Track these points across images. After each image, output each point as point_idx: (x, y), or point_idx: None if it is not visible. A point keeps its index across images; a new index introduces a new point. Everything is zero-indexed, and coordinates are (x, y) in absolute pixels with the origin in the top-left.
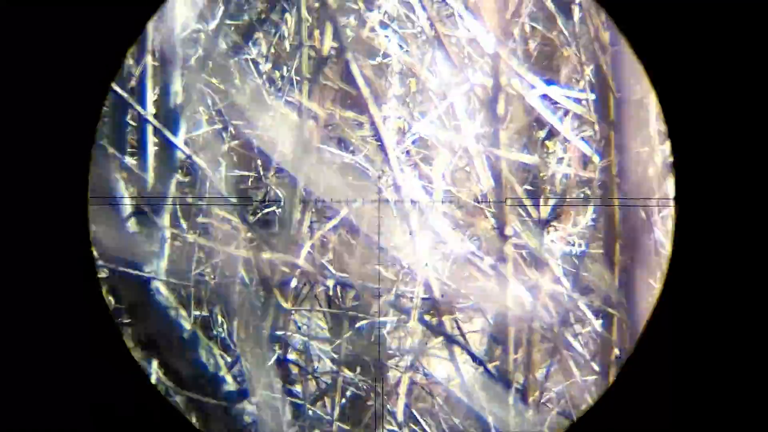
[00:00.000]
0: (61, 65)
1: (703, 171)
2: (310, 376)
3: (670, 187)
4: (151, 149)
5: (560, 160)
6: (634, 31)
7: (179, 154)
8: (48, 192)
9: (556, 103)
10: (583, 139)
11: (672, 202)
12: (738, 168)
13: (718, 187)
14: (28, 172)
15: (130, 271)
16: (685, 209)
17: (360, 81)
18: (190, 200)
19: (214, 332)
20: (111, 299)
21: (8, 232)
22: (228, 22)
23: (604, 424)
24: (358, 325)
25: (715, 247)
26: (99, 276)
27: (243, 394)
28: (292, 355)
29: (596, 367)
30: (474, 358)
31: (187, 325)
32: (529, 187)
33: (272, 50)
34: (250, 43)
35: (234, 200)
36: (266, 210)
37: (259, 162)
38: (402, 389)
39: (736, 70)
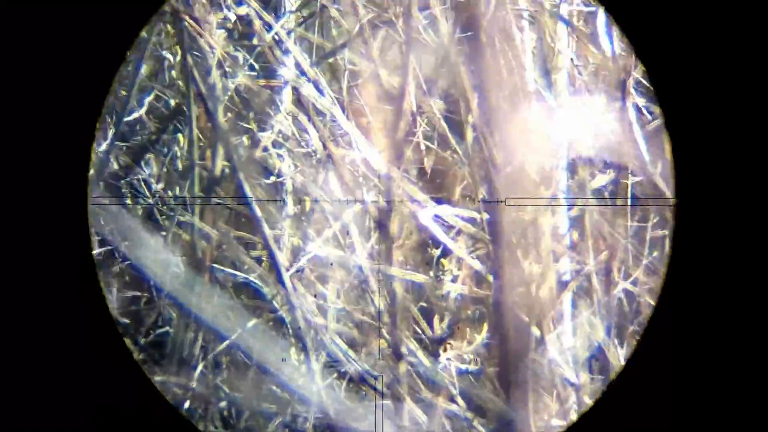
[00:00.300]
0: (61, 65)
1: (703, 171)
2: None
3: (566, 304)
4: None
5: (455, 278)
6: (634, 31)
7: None
8: (48, 192)
9: (447, 223)
10: (476, 257)
11: (672, 202)
12: (738, 168)
13: (718, 187)
14: (28, 173)
15: None
16: (685, 209)
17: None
18: None
19: None
20: None
21: (8, 232)
22: (119, 143)
23: (604, 425)
24: None
25: (715, 248)
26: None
27: None
28: None
29: None
30: None
31: None
32: (423, 305)
33: (164, 170)
34: (142, 164)
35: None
36: (158, 331)
37: (151, 283)
38: None
39: (736, 70)
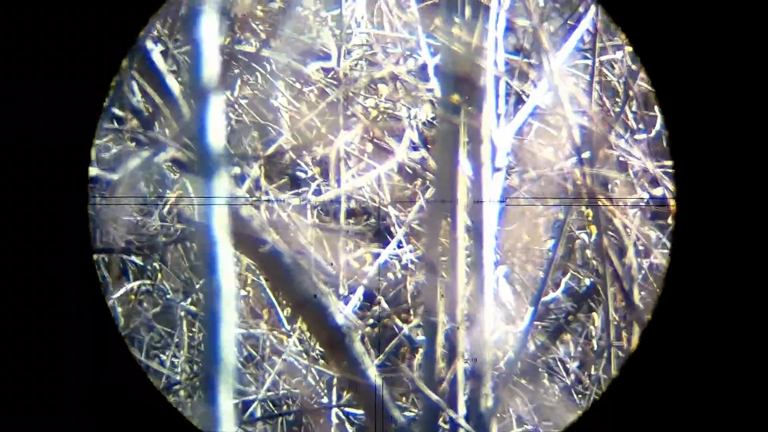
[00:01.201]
0: (62, 64)
1: (703, 171)
2: None
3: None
4: None
5: None
6: (634, 31)
7: None
8: (48, 192)
9: None
10: None
11: (672, 202)
12: (738, 168)
13: (718, 187)
14: (28, 172)
15: None
16: (685, 209)
17: None
18: None
19: None
20: None
21: (8, 232)
22: (536, 323)
23: (603, 425)
24: None
25: (715, 248)
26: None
27: None
28: None
29: None
30: None
31: None
32: None
33: (579, 349)
34: (557, 343)
35: None
36: None
37: None
38: None
39: (736, 70)
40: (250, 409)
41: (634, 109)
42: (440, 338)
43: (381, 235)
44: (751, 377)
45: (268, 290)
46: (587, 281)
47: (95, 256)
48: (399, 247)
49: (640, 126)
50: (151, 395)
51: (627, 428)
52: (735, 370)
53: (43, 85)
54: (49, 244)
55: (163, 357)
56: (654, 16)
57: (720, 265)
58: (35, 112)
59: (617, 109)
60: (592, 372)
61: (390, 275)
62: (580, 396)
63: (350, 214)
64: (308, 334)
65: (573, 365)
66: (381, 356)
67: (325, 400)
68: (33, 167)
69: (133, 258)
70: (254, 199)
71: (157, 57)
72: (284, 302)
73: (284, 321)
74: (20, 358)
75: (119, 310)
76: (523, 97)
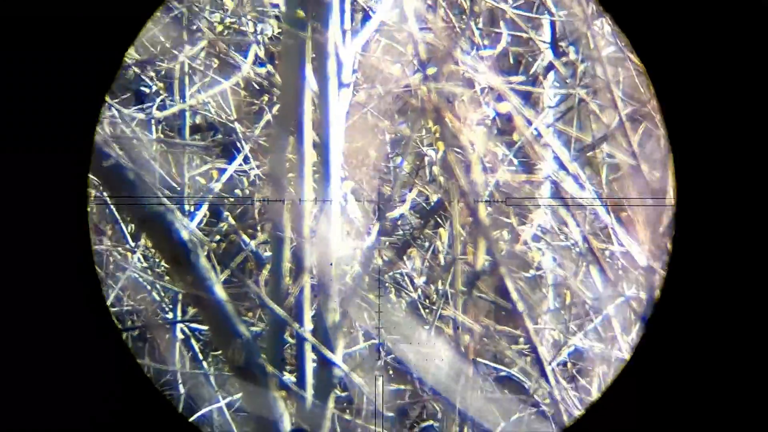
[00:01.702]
0: (61, 64)
1: (703, 171)
2: None
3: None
4: (310, 366)
5: None
6: (634, 32)
7: (337, 371)
8: (48, 192)
9: None
10: None
11: (672, 202)
12: (738, 168)
13: (718, 188)
14: (28, 172)
15: None
16: (685, 210)
17: (514, 294)
18: (347, 416)
19: None
20: None
21: (8, 232)
22: (383, 238)
23: (603, 426)
24: None
25: (715, 248)
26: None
27: None
28: None
29: None
30: None
31: None
32: None
33: (426, 265)
34: (404, 258)
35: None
36: (424, 425)
37: (415, 376)
38: None
39: (737, 70)
40: None
41: (480, 25)
42: (287, 254)
43: (227, 150)
44: (751, 377)
45: (111, 206)
46: (434, 197)
47: None
48: (245, 162)
49: (486, 42)
50: (151, 395)
51: (627, 429)
52: (735, 370)
53: (44, 85)
54: (49, 244)
55: None
56: (654, 16)
57: (720, 266)
58: (35, 112)
59: (463, 26)
60: (439, 287)
61: (236, 191)
62: (426, 311)
63: (195, 129)
64: (153, 251)
65: (420, 280)
66: (226, 272)
67: (170, 315)
68: (33, 167)
69: None
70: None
71: None
72: (128, 218)
73: (128, 237)
74: (20, 358)
75: None
76: (370, 12)
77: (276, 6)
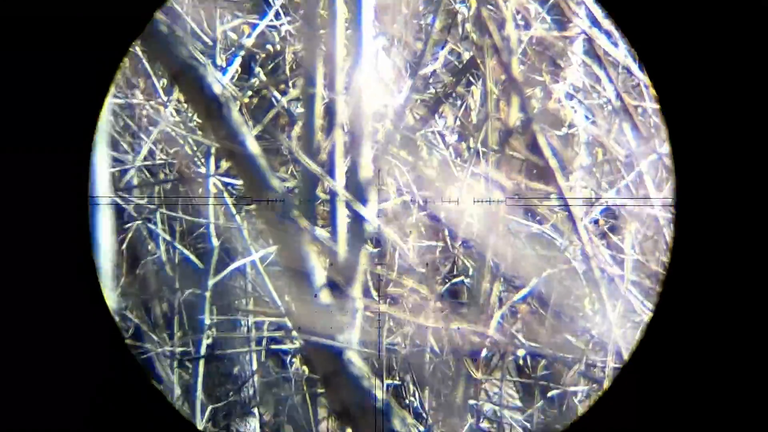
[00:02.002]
0: (62, 64)
1: (703, 173)
2: None
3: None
4: (342, 221)
5: None
6: (634, 31)
7: (369, 227)
8: (48, 192)
9: None
10: None
11: (672, 203)
12: (738, 170)
13: (718, 190)
14: (28, 172)
15: (324, 341)
16: (685, 211)
17: (547, 152)
18: (379, 271)
19: (407, 401)
20: (305, 368)
21: (8, 233)
22: (415, 96)
23: (602, 427)
24: (549, 394)
25: (715, 250)
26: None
27: None
28: (484, 424)
29: None
30: None
31: (380, 395)
32: None
33: (458, 123)
34: (436, 116)
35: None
36: (455, 280)
37: (446, 232)
38: None
39: (737, 70)
40: (127, 177)
41: None
42: (319, 109)
43: (259, 5)
44: (751, 377)
45: (144, 60)
46: (467, 55)
47: None
48: (277, 18)
49: None
50: (151, 395)
51: (628, 429)
52: (735, 370)
53: (44, 85)
54: (49, 244)
55: None
56: (654, 17)
57: (720, 267)
58: (35, 112)
59: None
60: (471, 144)
61: (268, 47)
62: (458, 168)
63: None
64: (186, 105)
65: (452, 138)
66: (258, 126)
67: (202, 169)
68: (33, 167)
69: None
70: None
71: None
72: (161, 72)
73: (161, 91)
74: (20, 358)
75: None
76: None
77: None
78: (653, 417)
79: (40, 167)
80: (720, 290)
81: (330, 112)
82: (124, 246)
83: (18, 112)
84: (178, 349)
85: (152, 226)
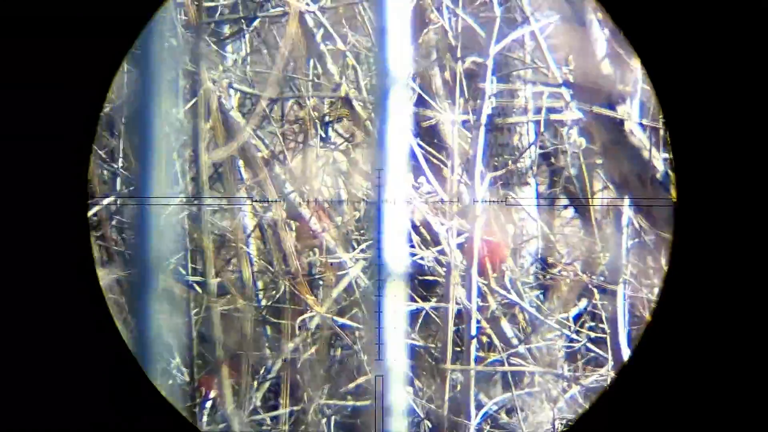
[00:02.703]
0: (62, 64)
1: (703, 172)
2: None
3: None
4: None
5: None
6: (634, 31)
7: None
8: (48, 192)
9: None
10: None
11: (672, 203)
12: (739, 169)
13: (719, 189)
14: (28, 172)
15: (605, 112)
16: (685, 211)
17: None
18: None
19: None
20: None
21: (8, 233)
22: None
23: (601, 427)
24: None
25: (716, 250)
26: None
27: None
28: None
29: None
30: None
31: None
32: None
33: None
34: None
35: None
36: None
37: None
38: None
39: (737, 70)
40: None
41: None
42: None
43: None
44: (751, 377)
45: None
46: None
47: None
48: None
49: None
50: (151, 395)
51: (628, 429)
52: (735, 370)
53: (44, 84)
54: (49, 244)
55: None
56: (654, 17)
57: (720, 267)
58: (36, 112)
59: None
60: None
61: None
62: None
63: None
64: None
65: None
66: None
67: None
68: (33, 168)
69: None
70: None
71: None
72: None
73: None
74: (20, 358)
75: None
76: None
77: None
78: (653, 417)
79: (40, 167)
80: (720, 290)
81: None
82: None
83: (18, 113)
84: None
85: None
